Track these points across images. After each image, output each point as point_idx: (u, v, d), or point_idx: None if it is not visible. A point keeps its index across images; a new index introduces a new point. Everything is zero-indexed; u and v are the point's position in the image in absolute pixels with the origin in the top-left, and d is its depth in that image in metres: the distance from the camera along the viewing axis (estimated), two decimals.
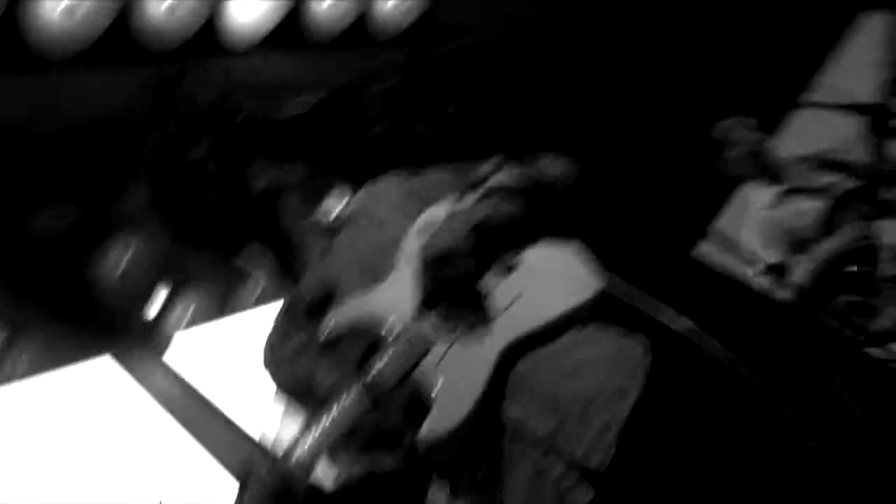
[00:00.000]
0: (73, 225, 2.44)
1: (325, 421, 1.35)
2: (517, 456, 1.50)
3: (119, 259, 2.68)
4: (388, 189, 1.80)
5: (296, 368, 1.70)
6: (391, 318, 1.54)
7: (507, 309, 1.57)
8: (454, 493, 1.61)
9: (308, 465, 1.30)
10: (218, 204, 1.66)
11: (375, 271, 1.64)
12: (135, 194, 1.72)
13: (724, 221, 3.91)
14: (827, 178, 2.80)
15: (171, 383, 2.33)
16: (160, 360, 2.48)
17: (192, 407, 2.16)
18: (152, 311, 2.74)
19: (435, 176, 1.83)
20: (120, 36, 2.68)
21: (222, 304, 3.11)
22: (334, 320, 1.54)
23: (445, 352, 1.50)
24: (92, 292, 2.52)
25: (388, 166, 1.91)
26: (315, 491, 1.35)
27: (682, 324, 2.17)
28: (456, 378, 1.47)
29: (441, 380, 1.47)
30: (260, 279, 3.03)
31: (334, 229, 1.75)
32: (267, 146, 1.67)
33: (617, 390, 1.52)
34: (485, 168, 1.80)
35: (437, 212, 1.70)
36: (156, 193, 1.70)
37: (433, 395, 1.45)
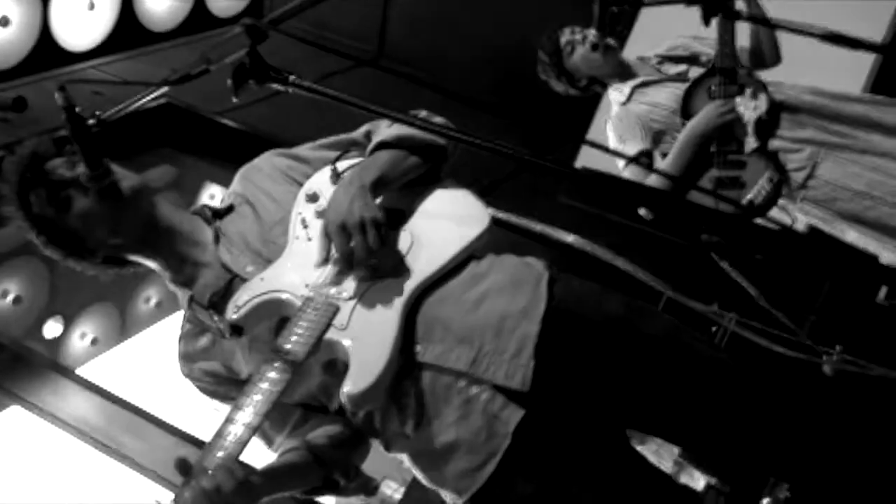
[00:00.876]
0: None
1: (253, 398, 1.35)
2: (441, 393, 1.52)
3: (5, 291, 2.56)
4: (263, 167, 1.78)
5: (212, 361, 1.69)
6: (295, 290, 1.54)
7: (405, 256, 1.59)
8: (388, 446, 1.64)
9: (243, 441, 1.31)
10: (92, 211, 1.62)
11: (270, 247, 1.64)
12: (7, 220, 1.65)
13: (594, 126, 4.04)
14: (676, 69, 2.91)
15: (88, 408, 2.26)
16: (72, 389, 2.40)
17: (117, 422, 2.12)
18: (52, 341, 2.64)
19: (307, 146, 1.82)
20: None
21: (123, 324, 3.03)
22: (239, 304, 1.52)
23: (353, 310, 1.51)
24: None
25: (257, 147, 1.88)
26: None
27: (572, 236, 2.25)
28: (367, 333, 1.48)
29: (353, 337, 1.48)
30: (156, 286, 2.94)
31: (220, 214, 1.72)
32: (127, 145, 1.60)
33: (524, 307, 1.56)
34: (359, 131, 1.80)
35: (322, 178, 1.70)
36: (28, 215, 1.64)
37: (348, 353, 1.46)
